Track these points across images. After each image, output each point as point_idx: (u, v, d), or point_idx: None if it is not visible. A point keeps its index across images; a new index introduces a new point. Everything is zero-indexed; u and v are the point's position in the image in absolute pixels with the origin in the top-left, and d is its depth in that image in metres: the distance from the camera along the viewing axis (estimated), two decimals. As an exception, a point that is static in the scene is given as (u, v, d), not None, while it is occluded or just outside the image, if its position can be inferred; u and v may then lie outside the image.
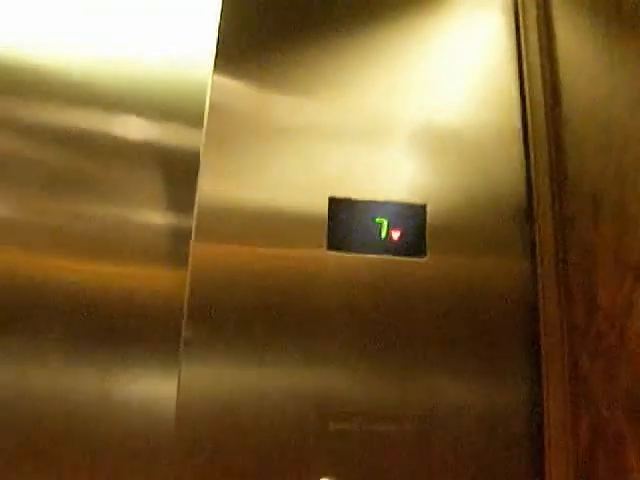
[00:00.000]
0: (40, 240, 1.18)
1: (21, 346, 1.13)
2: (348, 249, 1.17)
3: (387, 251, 1.17)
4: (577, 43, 1.15)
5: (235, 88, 1.25)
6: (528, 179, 1.23)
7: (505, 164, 1.25)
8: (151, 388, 1.13)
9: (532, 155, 1.22)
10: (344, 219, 1.18)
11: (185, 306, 1.13)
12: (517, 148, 1.26)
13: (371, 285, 1.16)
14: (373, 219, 1.18)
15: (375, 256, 1.17)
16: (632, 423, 0.91)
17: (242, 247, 1.16)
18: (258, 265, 1.16)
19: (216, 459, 1.07)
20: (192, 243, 1.16)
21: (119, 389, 1.12)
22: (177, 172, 1.23)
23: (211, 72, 1.25)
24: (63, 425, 1.10)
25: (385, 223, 1.18)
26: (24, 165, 1.21)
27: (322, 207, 1.19)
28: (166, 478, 1.06)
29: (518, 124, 1.27)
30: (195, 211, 1.18)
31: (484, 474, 1.10)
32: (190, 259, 1.15)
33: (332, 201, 1.19)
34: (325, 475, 1.07)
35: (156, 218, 1.21)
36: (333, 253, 1.17)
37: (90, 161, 1.23)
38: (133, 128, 1.26)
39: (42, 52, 1.28)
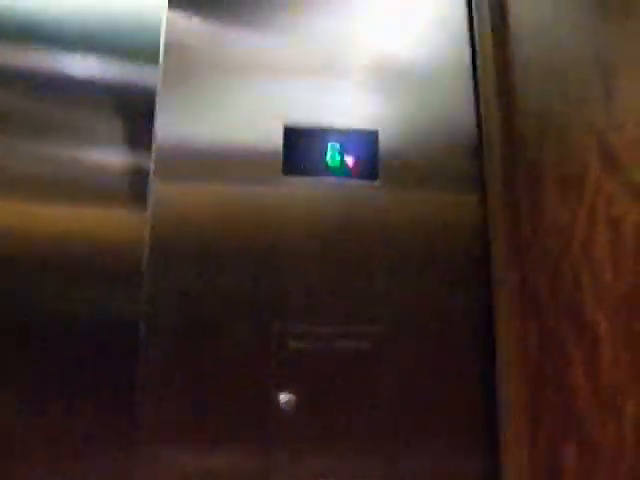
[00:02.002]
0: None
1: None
2: (303, 174, 1.20)
3: (341, 175, 1.20)
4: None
5: (190, 24, 1.25)
6: (477, 105, 1.26)
7: (455, 92, 1.27)
8: (114, 332, 1.15)
9: (481, 81, 1.25)
10: (299, 146, 1.21)
11: (146, 244, 1.15)
12: (467, 76, 1.28)
13: (326, 207, 1.19)
14: (327, 145, 1.21)
15: (329, 180, 1.20)
16: (575, 332, 0.95)
17: (201, 183, 1.18)
18: (218, 200, 1.18)
19: (183, 376, 1.11)
20: (151, 182, 1.17)
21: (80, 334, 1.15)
22: (133, 111, 1.23)
23: (165, 8, 1.25)
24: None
25: (339, 149, 1.21)
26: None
27: (278, 137, 1.21)
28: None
29: (467, 52, 1.30)
30: (153, 150, 1.19)
31: (438, 387, 1.15)
32: (150, 198, 1.17)
33: (287, 130, 1.21)
34: (285, 390, 1.11)
35: (115, 157, 1.21)
36: (289, 178, 1.19)
37: (45, 102, 1.23)
38: (88, 67, 1.25)
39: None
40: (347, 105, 1.25)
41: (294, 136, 1.21)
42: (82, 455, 1.11)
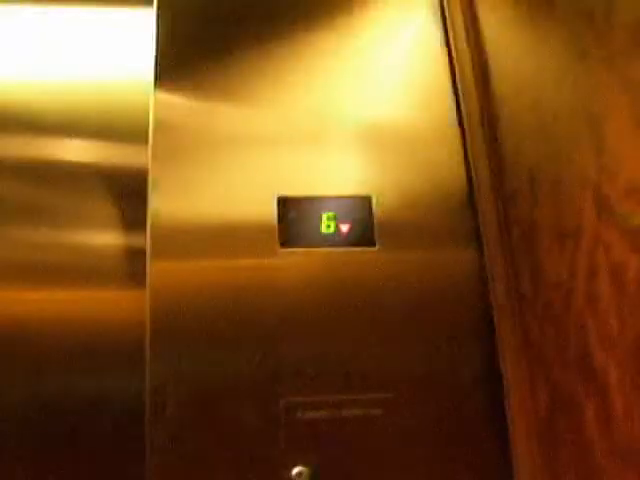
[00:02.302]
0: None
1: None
2: (299, 245, 1.19)
3: (337, 244, 1.20)
4: (501, 26, 1.20)
5: (177, 102, 1.27)
6: (467, 164, 1.26)
7: (444, 152, 1.28)
8: (118, 417, 1.14)
9: (469, 140, 1.26)
10: (293, 216, 1.20)
11: (147, 325, 1.13)
12: (454, 136, 1.29)
13: (325, 278, 1.18)
14: (321, 214, 1.21)
15: (326, 249, 1.20)
16: (585, 385, 0.94)
17: (198, 261, 1.17)
18: (216, 276, 1.17)
19: (192, 458, 1.09)
20: (148, 262, 1.16)
21: (86, 421, 1.13)
22: (125, 191, 1.24)
23: (152, 88, 1.26)
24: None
25: (333, 217, 1.21)
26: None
27: (272, 209, 1.21)
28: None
29: (453, 113, 1.31)
30: (148, 229, 1.18)
31: (449, 448, 1.13)
32: (148, 278, 1.15)
33: (280, 200, 1.21)
34: (298, 464, 1.09)
35: (108, 239, 1.21)
36: (286, 250, 1.18)
37: (36, 188, 1.23)
38: (78, 150, 1.26)
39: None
40: (338, 173, 1.25)
41: (287, 207, 1.21)
42: None
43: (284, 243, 1.19)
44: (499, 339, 1.15)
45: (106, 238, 1.22)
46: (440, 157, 1.28)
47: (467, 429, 1.14)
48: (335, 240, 1.20)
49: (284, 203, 1.21)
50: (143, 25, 1.34)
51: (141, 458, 1.07)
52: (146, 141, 1.24)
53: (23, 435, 1.11)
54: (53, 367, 1.14)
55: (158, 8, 1.32)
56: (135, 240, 1.21)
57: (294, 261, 1.18)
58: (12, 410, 1.12)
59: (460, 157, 1.27)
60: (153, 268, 1.16)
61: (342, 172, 1.25)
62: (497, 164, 1.20)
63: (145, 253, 1.17)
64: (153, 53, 1.29)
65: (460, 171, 1.27)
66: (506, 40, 1.18)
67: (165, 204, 1.20)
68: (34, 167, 1.24)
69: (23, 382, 1.13)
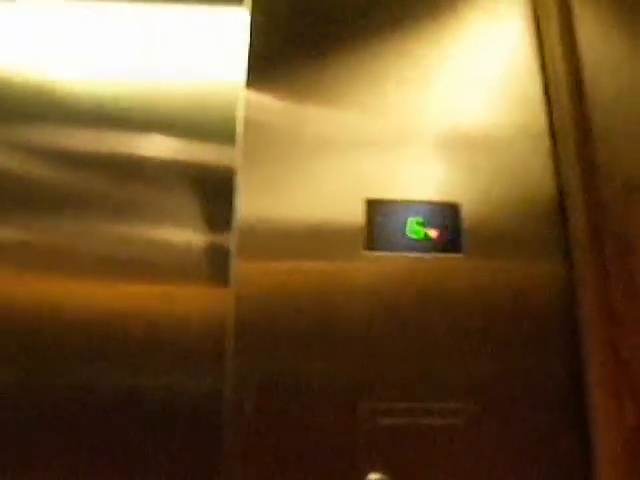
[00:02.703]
0: (78, 265, 1.21)
1: (62, 368, 1.16)
2: (386, 249, 1.19)
3: (423, 249, 1.19)
4: (598, 35, 1.17)
5: (267, 102, 1.28)
6: (558, 173, 1.24)
7: (534, 160, 1.26)
8: (196, 414, 1.15)
9: (560, 148, 1.24)
10: (381, 219, 1.20)
11: (231, 325, 1.14)
12: (545, 144, 1.27)
13: (410, 283, 1.17)
14: (410, 218, 1.20)
15: (413, 254, 1.19)
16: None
17: (283, 261, 1.18)
18: (300, 278, 1.17)
19: (268, 459, 1.09)
20: (234, 262, 1.17)
21: (161, 416, 1.15)
22: (211, 190, 1.25)
23: (243, 88, 1.27)
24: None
25: (421, 222, 1.20)
26: (58, 190, 1.25)
27: (359, 211, 1.21)
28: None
29: (544, 120, 1.29)
30: (235, 229, 1.19)
31: (530, 463, 1.11)
32: (233, 278, 1.16)
33: (369, 202, 1.21)
34: (374, 470, 1.08)
35: (192, 237, 1.23)
36: (371, 253, 1.18)
37: (124, 183, 1.25)
38: (166, 148, 1.28)
39: (69, 75, 1.32)
40: (427, 178, 1.25)
41: (376, 209, 1.21)
42: None
43: (370, 246, 1.19)
44: (585, 353, 1.12)
45: (190, 235, 1.23)
46: (530, 165, 1.26)
47: (549, 445, 1.12)
48: (421, 246, 1.19)
49: (373, 205, 1.21)
50: (236, 24, 1.35)
51: (218, 454, 1.09)
52: (234, 141, 1.25)
53: (104, 424, 1.13)
54: (133, 359, 1.16)
55: (252, 7, 1.33)
56: (219, 239, 1.23)
57: (379, 265, 1.18)
58: (93, 399, 1.14)
59: (551, 165, 1.25)
60: (238, 268, 1.17)
61: (431, 177, 1.25)
62: (589, 172, 1.17)
63: (229, 252, 1.19)
64: (245, 52, 1.30)
65: (550, 179, 1.24)
66: (603, 45, 1.15)
67: (252, 204, 1.21)
68: (123, 163, 1.26)
69: (105, 373, 1.15)
